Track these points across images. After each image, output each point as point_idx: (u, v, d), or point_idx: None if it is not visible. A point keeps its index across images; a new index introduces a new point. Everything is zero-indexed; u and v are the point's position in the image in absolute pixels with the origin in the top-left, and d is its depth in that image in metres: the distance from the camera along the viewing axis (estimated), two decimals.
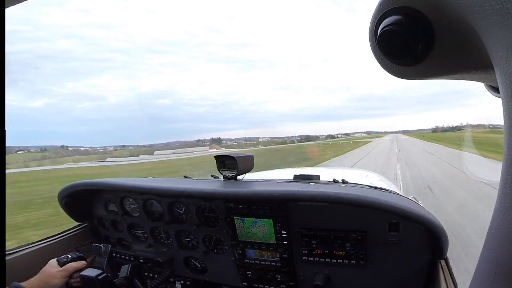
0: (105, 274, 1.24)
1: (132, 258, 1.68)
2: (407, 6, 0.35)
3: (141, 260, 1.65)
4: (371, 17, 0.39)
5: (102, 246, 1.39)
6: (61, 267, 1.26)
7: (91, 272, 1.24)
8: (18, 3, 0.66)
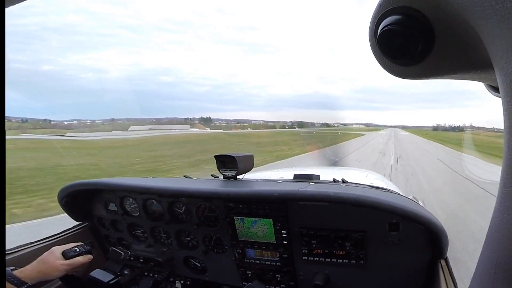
0: (116, 279, 1.22)
1: (132, 258, 1.68)
2: (407, 6, 0.35)
3: (141, 260, 1.65)
4: (371, 17, 0.39)
5: (122, 253, 1.33)
6: (67, 259, 1.19)
7: (103, 276, 1.20)
8: (18, 3, 0.66)
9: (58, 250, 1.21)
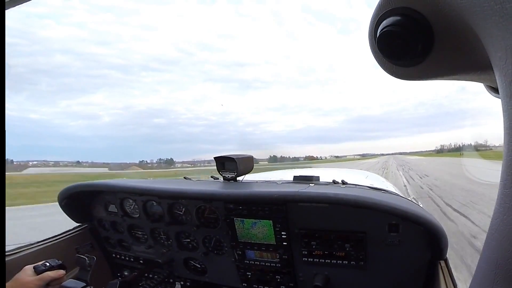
0: (88, 287, 1.19)
1: (132, 259, 1.68)
2: (407, 7, 0.35)
3: (141, 261, 1.65)
4: (370, 18, 0.39)
5: (86, 258, 1.29)
6: (38, 275, 1.16)
7: (74, 284, 1.18)
8: (18, 4, 0.66)
9: (29, 267, 1.20)
